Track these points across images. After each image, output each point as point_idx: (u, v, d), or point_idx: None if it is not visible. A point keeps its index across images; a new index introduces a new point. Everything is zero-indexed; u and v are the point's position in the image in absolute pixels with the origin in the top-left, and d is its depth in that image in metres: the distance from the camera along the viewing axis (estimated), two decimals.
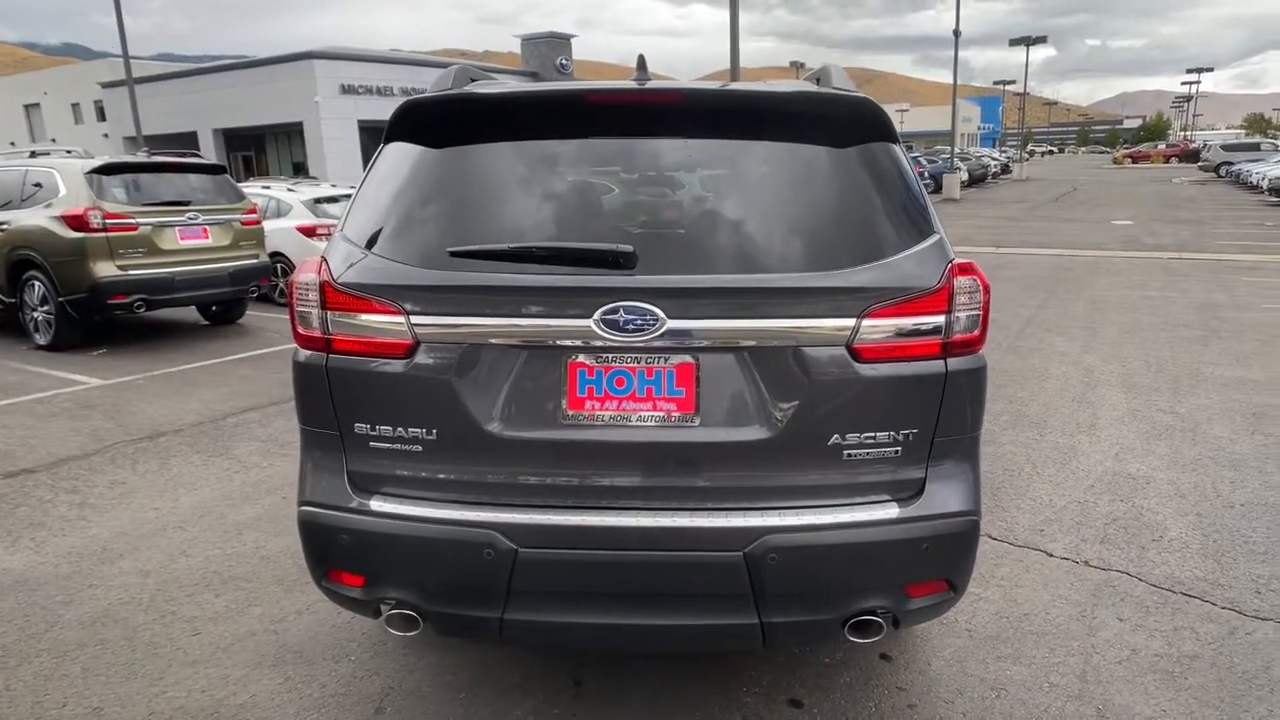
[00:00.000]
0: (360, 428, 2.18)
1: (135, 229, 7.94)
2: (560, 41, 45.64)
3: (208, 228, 8.52)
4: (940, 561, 2.19)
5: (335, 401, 2.19)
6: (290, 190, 11.53)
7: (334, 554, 2.25)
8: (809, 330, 2.03)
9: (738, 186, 2.20)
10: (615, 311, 2.00)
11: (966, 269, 2.12)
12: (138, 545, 3.85)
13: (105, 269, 7.76)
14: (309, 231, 10.58)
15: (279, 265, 10.37)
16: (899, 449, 2.12)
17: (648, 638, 2.26)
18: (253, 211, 9.08)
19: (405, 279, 2.09)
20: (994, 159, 47.35)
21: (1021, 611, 3.18)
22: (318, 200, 11.05)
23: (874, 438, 2.09)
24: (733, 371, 2.07)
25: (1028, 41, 38.94)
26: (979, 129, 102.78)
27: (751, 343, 2.04)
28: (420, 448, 2.14)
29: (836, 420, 2.07)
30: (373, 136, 39.67)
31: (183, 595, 3.38)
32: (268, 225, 9.71)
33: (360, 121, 38.78)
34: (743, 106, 2.21)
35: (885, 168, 2.18)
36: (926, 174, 32.78)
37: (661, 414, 2.08)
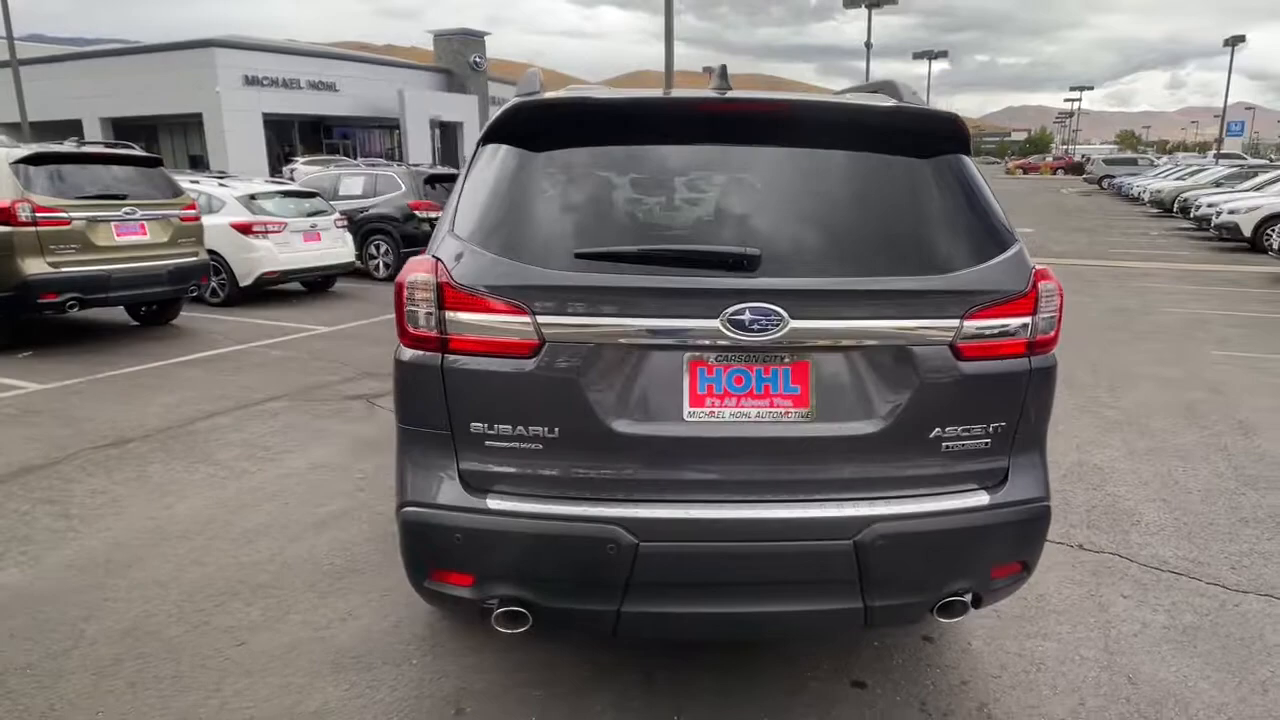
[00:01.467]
0: (476, 427, 2.19)
1: (68, 223, 7.46)
2: (473, 39, 45.05)
3: (146, 223, 8.08)
4: (1020, 544, 2.37)
5: (449, 401, 2.19)
6: (222, 185, 11.02)
7: (443, 554, 2.25)
8: (919, 330, 2.17)
9: (843, 194, 2.32)
10: (742, 312, 2.09)
11: (1045, 275, 2.31)
12: (142, 556, 3.67)
13: (35, 265, 7.25)
14: (244, 229, 10.15)
15: (212, 264, 9.90)
16: (989, 440, 2.28)
17: (759, 625, 2.36)
18: (191, 207, 8.67)
19: (531, 279, 2.11)
20: None
21: (1037, 593, 3.43)
22: (253, 196, 10.61)
23: (969, 430, 2.26)
24: (845, 369, 2.19)
25: (930, 55, 41.06)
26: None
27: (869, 342, 2.16)
28: (540, 446, 2.17)
29: (937, 414, 2.22)
30: (278, 130, 38.15)
31: (211, 605, 3.26)
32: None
33: (266, 114, 37.16)
34: (845, 119, 2.34)
35: (971, 178, 2.34)
36: None
37: (779, 410, 2.18)
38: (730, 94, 2.31)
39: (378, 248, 12.88)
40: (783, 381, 2.19)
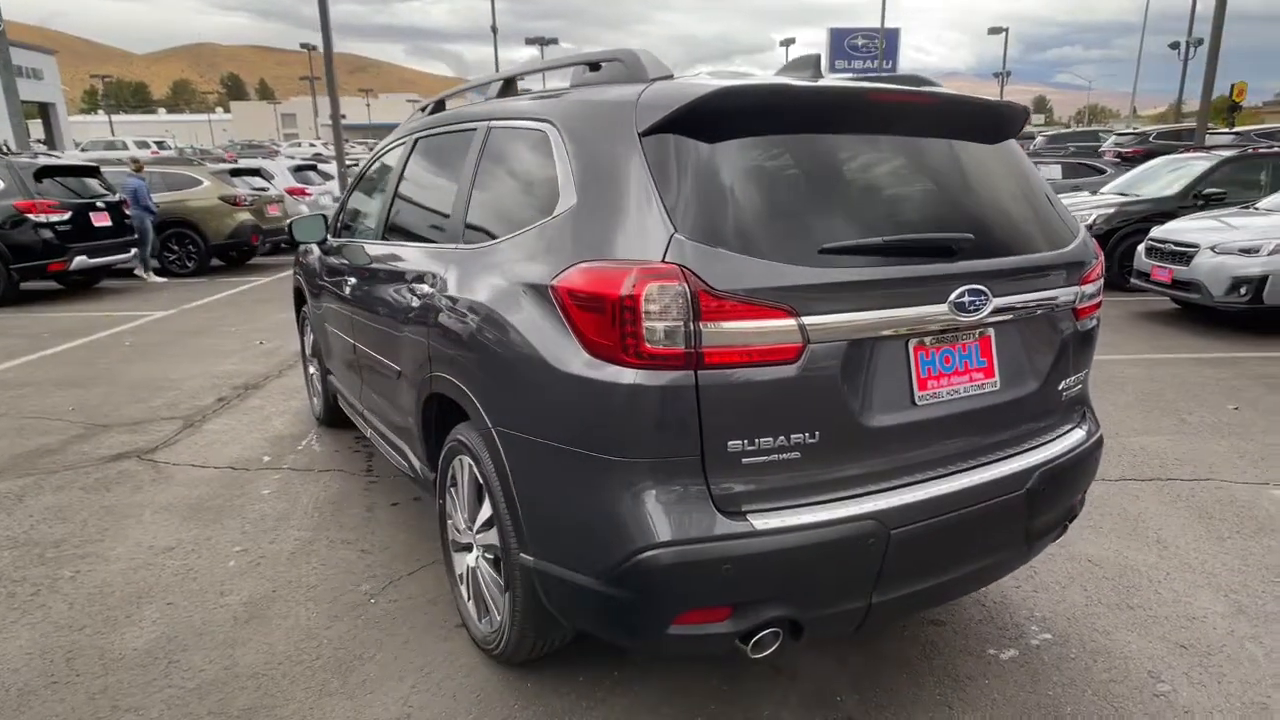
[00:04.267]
0: (734, 445, 2.00)
1: None
2: None
3: None
4: (1094, 468, 2.83)
5: (704, 422, 1.96)
6: None
7: (701, 591, 2.03)
8: (1061, 297, 2.49)
9: (991, 179, 2.52)
10: (963, 295, 2.20)
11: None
12: None
13: None
14: None
15: None
16: (1082, 385, 2.70)
17: (961, 585, 2.51)
18: None
19: (794, 279, 1.99)
20: None
21: None
22: None
23: (1076, 378, 2.64)
24: (1014, 337, 2.42)
25: (542, 42, 43.08)
26: None
27: (1038, 311, 2.42)
28: (799, 454, 2.06)
29: (1065, 367, 2.57)
30: None
31: None
32: None
33: None
34: (980, 111, 2.53)
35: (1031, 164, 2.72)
36: None
37: (975, 384, 2.34)
38: (900, 86, 2.36)
39: None
40: (975, 356, 2.34)
